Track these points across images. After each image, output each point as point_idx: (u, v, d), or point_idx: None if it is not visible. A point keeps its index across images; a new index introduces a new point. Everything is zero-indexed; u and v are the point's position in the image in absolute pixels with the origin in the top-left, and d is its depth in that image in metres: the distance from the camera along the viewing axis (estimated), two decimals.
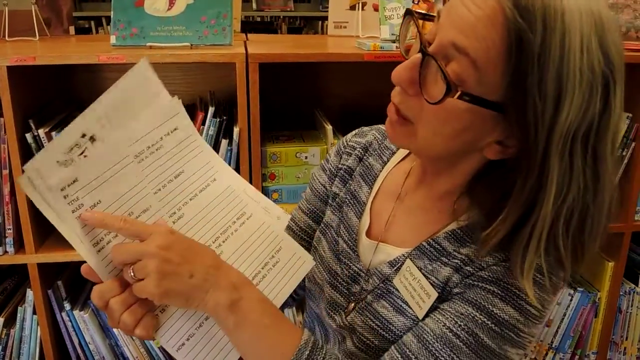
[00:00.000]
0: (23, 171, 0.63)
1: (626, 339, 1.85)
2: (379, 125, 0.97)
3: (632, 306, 1.81)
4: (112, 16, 1.38)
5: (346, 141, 0.98)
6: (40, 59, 1.27)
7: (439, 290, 0.74)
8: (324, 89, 1.83)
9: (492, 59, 0.60)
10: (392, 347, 0.75)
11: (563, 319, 1.75)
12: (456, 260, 0.75)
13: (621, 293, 1.79)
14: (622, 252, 1.71)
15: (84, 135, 0.67)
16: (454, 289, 0.74)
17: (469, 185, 0.75)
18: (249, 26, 3.52)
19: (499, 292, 0.69)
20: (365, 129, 0.99)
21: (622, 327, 1.84)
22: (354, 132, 0.99)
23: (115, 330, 1.55)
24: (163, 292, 0.65)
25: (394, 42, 1.43)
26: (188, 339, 0.73)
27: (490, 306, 0.69)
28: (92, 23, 4.39)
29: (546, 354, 1.79)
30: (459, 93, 0.62)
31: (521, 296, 0.69)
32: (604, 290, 1.76)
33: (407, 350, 0.72)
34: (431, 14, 0.69)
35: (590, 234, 0.66)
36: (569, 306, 1.74)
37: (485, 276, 0.71)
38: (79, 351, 1.56)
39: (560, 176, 0.61)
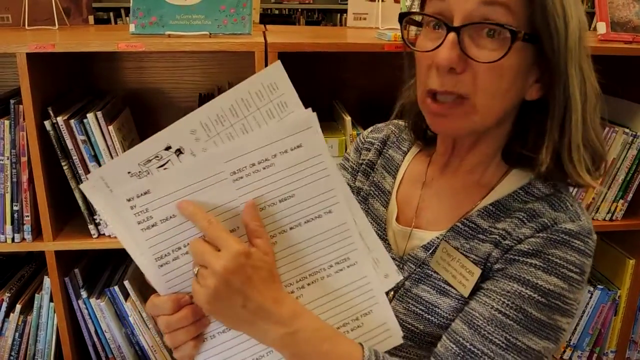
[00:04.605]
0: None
1: None
2: (394, 120, 1.00)
3: None
4: (131, 4, 1.38)
5: (364, 138, 1.01)
6: (60, 46, 1.27)
7: (481, 267, 0.76)
8: (343, 80, 1.82)
9: None
10: (444, 337, 0.75)
11: (582, 316, 1.73)
12: (494, 236, 0.77)
13: None
14: None
15: (168, 148, 0.64)
16: (495, 264, 0.75)
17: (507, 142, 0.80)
18: (267, 19, 3.52)
19: (541, 264, 0.71)
20: (379, 125, 1.02)
21: None
22: (369, 129, 1.02)
23: (131, 319, 1.55)
24: (211, 310, 0.66)
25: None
26: None
27: (534, 279, 0.71)
28: (112, 14, 4.41)
29: (564, 351, 1.77)
30: (522, 33, 0.68)
31: (562, 264, 0.71)
32: (624, 288, 1.74)
33: (461, 339, 0.72)
34: (418, 12, 0.76)
35: (599, 125, 0.77)
36: (588, 303, 1.72)
37: (525, 249, 0.73)
38: (95, 339, 1.57)
39: (579, 82, 0.72)
